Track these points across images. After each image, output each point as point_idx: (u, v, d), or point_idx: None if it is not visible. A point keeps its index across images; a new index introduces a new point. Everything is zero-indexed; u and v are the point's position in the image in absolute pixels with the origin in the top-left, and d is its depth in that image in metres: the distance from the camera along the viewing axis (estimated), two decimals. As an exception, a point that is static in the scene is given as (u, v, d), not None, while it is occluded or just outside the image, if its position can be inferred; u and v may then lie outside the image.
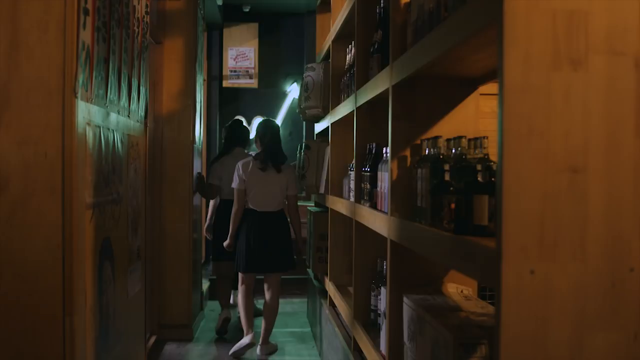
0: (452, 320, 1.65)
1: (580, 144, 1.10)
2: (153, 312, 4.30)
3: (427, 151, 1.85)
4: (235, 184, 4.02)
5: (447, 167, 1.67)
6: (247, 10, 7.52)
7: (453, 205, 1.63)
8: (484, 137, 1.68)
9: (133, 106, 2.48)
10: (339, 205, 3.27)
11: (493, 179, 1.55)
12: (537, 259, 1.09)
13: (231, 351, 4.08)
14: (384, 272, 2.51)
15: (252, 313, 4.20)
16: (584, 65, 1.10)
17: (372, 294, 2.67)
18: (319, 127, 4.60)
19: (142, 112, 2.70)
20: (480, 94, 2.08)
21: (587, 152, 1.10)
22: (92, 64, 1.83)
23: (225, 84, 7.95)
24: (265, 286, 4.16)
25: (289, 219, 4.17)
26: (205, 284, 5.64)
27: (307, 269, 5.04)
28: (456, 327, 1.57)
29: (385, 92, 2.11)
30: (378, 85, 2.23)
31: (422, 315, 1.77)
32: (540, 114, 1.09)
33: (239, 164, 4.05)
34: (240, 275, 4.14)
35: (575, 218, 1.09)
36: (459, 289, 2.00)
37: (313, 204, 5.30)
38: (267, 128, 4.10)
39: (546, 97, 1.09)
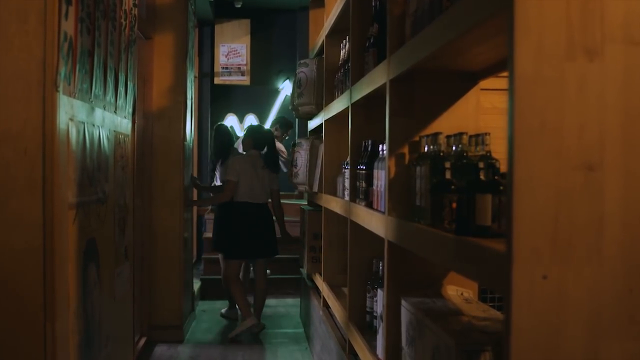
0: (453, 324, 1.58)
1: (596, 139, 1.02)
2: (143, 313, 4.22)
3: (426, 148, 1.78)
4: (232, 177, 4.46)
5: (448, 164, 1.61)
6: (239, 6, 7.42)
7: (454, 205, 1.56)
8: (485, 134, 1.61)
9: (120, 102, 2.38)
10: (334, 204, 3.20)
11: (496, 177, 1.50)
12: (549, 262, 1.01)
13: (232, 334, 4.44)
14: (380, 273, 2.44)
15: (246, 296, 4.58)
16: (599, 55, 1.03)
17: (368, 295, 2.60)
18: (312, 124, 4.52)
19: (129, 108, 2.61)
20: (481, 89, 2.01)
21: (603, 148, 1.02)
22: (76, 56, 1.73)
23: (216, 81, 7.86)
24: (253, 271, 4.76)
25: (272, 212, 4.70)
26: (197, 284, 5.55)
27: (300, 269, 4.97)
28: (458, 333, 1.50)
29: (382, 87, 2.04)
30: (375, 80, 2.16)
31: (421, 319, 1.70)
32: (553, 108, 1.02)
33: (235, 160, 4.57)
34: (232, 262, 4.56)
35: (591, 219, 1.02)
36: (459, 291, 1.93)
37: (306, 203, 5.23)
38: (264, 136, 4.65)
39: (560, 89, 1.02)
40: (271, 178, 4.59)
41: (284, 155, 5.81)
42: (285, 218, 4.83)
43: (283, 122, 5.90)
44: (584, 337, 1.02)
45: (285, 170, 5.61)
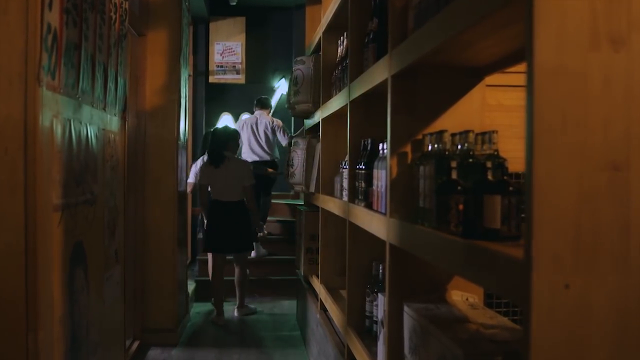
0: (460, 333, 1.50)
1: (622, 136, 0.94)
2: (136, 316, 4.12)
3: (429, 147, 1.70)
4: (196, 180, 5.11)
5: (454, 164, 1.52)
6: (234, 3, 7.32)
7: (461, 207, 1.48)
8: (493, 132, 1.54)
9: (109, 98, 2.29)
10: (331, 204, 3.11)
11: (505, 177, 1.43)
12: (572, 270, 0.93)
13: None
14: (380, 276, 2.36)
15: (219, 294, 4.96)
16: (626, 44, 0.94)
17: (367, 299, 2.52)
18: (309, 123, 4.44)
19: (120, 105, 2.51)
20: (486, 85, 1.92)
21: (630, 146, 0.94)
22: (61, 49, 1.63)
23: (211, 79, 7.76)
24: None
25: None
26: (191, 286, 5.46)
27: (297, 270, 4.88)
28: (466, 342, 1.42)
29: (383, 84, 1.96)
30: (375, 76, 2.07)
31: (425, 326, 1.62)
32: (576, 102, 0.94)
33: (202, 165, 5.03)
34: (212, 256, 5.06)
35: (616, 222, 0.94)
36: (464, 296, 1.85)
37: (302, 203, 5.15)
38: (209, 135, 5.07)
39: (583, 81, 0.94)
40: (242, 176, 4.84)
41: (278, 127, 6.00)
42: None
43: (267, 102, 6.20)
44: (610, 351, 0.94)
45: (283, 143, 5.89)
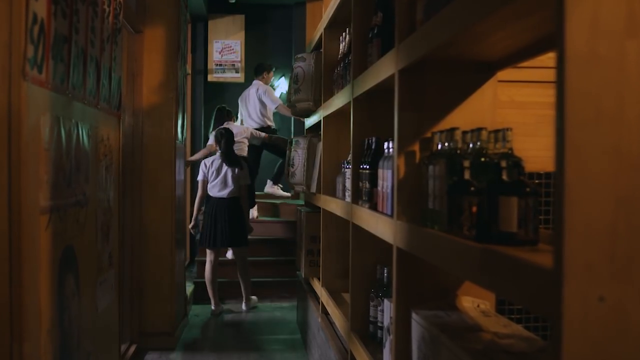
0: (473, 343, 1.40)
1: (663, 132, 0.85)
2: (133, 319, 4.03)
3: (439, 145, 1.61)
4: (198, 176, 5.10)
5: (467, 163, 1.44)
6: (233, 1, 7.23)
7: (475, 209, 1.39)
8: (507, 129, 1.45)
9: (103, 95, 2.19)
10: (333, 205, 3.02)
11: (521, 178, 1.34)
12: (607, 280, 0.84)
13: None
14: (385, 280, 2.28)
15: (213, 287, 5.14)
16: (666, 30, 0.85)
17: (372, 303, 2.42)
18: (309, 121, 4.35)
19: (114, 103, 2.42)
20: (498, 81, 1.83)
21: (671, 143, 0.85)
22: (48, 41, 1.54)
23: (210, 78, 7.67)
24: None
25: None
26: (190, 287, 5.36)
27: (297, 272, 4.79)
28: (480, 353, 1.33)
29: (390, 79, 1.86)
30: (381, 72, 1.98)
31: (436, 335, 1.52)
32: (611, 93, 0.85)
33: (204, 161, 5.10)
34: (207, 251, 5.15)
35: (656, 228, 0.85)
36: (475, 302, 1.75)
37: (303, 203, 5.06)
38: (223, 135, 5.04)
39: (619, 71, 0.85)
40: (240, 174, 4.99)
41: (273, 101, 6.10)
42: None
43: (259, 67, 6.26)
44: (648, 371, 0.85)
45: (273, 106, 6.04)
